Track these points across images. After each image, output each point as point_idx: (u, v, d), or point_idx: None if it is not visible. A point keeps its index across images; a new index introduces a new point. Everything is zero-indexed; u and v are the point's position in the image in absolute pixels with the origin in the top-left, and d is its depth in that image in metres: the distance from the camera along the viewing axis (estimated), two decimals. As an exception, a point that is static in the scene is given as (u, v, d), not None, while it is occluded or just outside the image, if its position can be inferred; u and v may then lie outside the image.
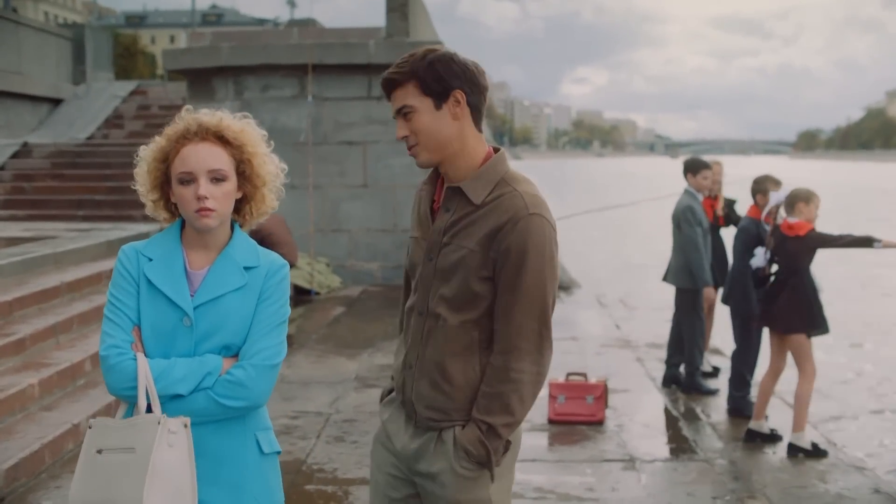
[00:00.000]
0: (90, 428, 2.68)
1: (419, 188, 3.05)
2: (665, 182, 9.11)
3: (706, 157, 9.15)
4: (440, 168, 2.90)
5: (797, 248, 6.70)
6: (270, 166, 2.89)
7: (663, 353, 9.37)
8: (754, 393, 7.50)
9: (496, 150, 2.94)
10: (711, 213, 8.76)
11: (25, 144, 16.93)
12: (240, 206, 2.90)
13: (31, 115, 19.70)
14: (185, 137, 2.78)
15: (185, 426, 2.66)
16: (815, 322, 6.68)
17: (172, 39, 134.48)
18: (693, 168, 8.39)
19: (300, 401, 7.65)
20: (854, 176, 71.50)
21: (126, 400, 2.73)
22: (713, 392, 8.24)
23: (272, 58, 13.66)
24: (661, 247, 10.23)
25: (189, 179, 2.73)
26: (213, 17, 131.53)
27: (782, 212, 6.86)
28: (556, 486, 5.87)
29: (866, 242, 6.64)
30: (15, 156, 16.56)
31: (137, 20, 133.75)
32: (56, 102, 20.62)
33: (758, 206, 7.57)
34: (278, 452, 2.91)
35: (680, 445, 6.85)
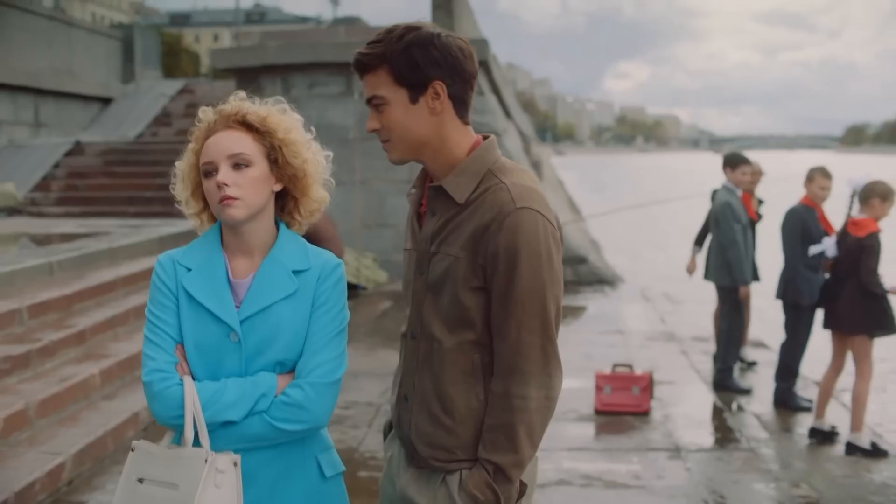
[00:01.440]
0: (132, 451, 2.50)
1: (408, 192, 2.67)
2: (708, 178, 9.16)
3: (762, 155, 9.14)
4: (424, 167, 2.55)
5: (857, 247, 6.59)
6: (308, 153, 2.61)
7: (708, 347, 9.46)
8: (799, 385, 7.56)
9: (485, 139, 2.54)
10: (750, 209, 8.66)
11: (78, 143, 17.31)
12: (284, 203, 2.64)
13: (82, 113, 20.14)
14: (209, 130, 2.56)
15: (235, 465, 2.43)
16: (879, 323, 6.57)
17: (216, 38, 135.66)
18: (732, 162, 8.30)
19: (351, 391, 7.81)
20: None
21: (174, 428, 2.48)
22: (746, 391, 8.20)
23: (319, 56, 13.86)
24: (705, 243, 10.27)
25: (211, 170, 2.50)
26: (257, 16, 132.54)
27: (855, 203, 6.73)
28: (602, 473, 5.98)
29: (875, 286, 6.49)
30: (68, 154, 16.95)
31: (182, 19, 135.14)
32: (106, 101, 21.04)
33: (808, 196, 7.48)
34: (342, 472, 2.65)
35: (725, 435, 6.94)
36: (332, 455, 2.64)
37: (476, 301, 2.40)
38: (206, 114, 2.62)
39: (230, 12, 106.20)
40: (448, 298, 2.42)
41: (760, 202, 9.18)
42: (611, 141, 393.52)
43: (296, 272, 2.53)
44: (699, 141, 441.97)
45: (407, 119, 2.42)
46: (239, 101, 2.60)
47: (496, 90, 15.56)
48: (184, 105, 20.55)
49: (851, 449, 6.55)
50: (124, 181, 15.92)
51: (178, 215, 11.15)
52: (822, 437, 6.84)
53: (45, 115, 19.04)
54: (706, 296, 10.83)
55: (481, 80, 14.00)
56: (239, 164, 2.49)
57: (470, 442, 2.43)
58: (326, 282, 2.55)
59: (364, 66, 2.44)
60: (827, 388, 6.90)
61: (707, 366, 8.82)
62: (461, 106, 2.45)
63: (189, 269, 2.54)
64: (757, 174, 9.01)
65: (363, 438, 6.48)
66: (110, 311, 8.08)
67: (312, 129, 2.66)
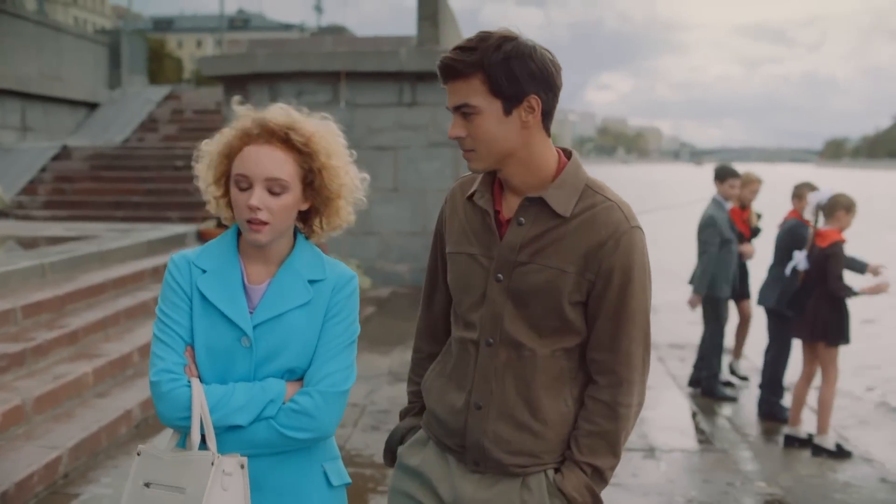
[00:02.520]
0: (139, 455, 2.48)
1: (452, 194, 2.67)
2: (689, 189, 9.33)
3: (742, 167, 9.31)
4: (499, 174, 2.50)
5: (821, 258, 6.85)
6: (346, 178, 2.58)
7: (683, 354, 9.74)
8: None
9: (565, 152, 2.55)
10: (739, 222, 8.87)
11: (65, 147, 17.45)
12: (308, 217, 2.62)
13: (69, 118, 20.28)
14: (249, 135, 2.48)
15: (242, 467, 2.42)
16: (835, 334, 6.83)
17: (199, 44, 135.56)
18: (721, 175, 8.52)
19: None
20: (882, 185, 71.46)
21: (179, 430, 2.48)
22: (732, 399, 8.46)
23: (306, 65, 14.05)
24: (686, 253, 10.53)
25: (245, 185, 2.44)
26: (240, 22, 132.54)
27: (821, 216, 6.98)
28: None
29: (842, 292, 6.74)
30: (55, 158, 17.09)
31: (165, 24, 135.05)
32: (92, 106, 21.17)
33: (796, 210, 7.77)
34: (348, 484, 2.65)
35: (698, 438, 7.19)
36: (339, 465, 2.62)
37: (576, 314, 2.44)
38: (252, 115, 2.53)
39: (213, 18, 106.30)
40: (542, 309, 2.43)
41: (759, 216, 9.31)
42: (592, 152, 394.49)
43: (311, 282, 2.53)
44: (680, 153, 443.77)
45: (498, 130, 2.38)
46: (285, 114, 2.52)
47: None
48: (170, 111, 20.71)
49: (817, 450, 6.85)
50: (111, 185, 16.08)
51: (165, 220, 11.33)
52: (800, 443, 7.08)
53: (33, 120, 19.17)
54: (683, 305, 11.08)
55: (465, 91, 14.23)
56: (275, 190, 2.45)
57: (557, 445, 2.48)
58: (341, 293, 2.55)
59: (455, 71, 2.37)
60: (799, 396, 7.16)
61: (683, 371, 9.07)
62: (548, 119, 2.44)
63: (204, 271, 2.52)
64: (755, 184, 9.08)
65: (349, 437, 6.71)
66: (101, 312, 8.25)
67: (353, 152, 2.64)
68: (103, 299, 8.70)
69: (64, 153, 17.30)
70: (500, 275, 2.46)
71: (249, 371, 2.48)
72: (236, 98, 2.62)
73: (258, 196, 2.42)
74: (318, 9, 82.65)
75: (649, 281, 2.47)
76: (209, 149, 2.58)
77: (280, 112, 2.52)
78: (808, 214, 7.21)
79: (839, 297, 6.82)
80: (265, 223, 2.44)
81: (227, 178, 2.54)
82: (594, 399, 2.47)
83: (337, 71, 13.96)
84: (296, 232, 2.61)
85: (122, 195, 15.61)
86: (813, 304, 6.90)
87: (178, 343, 2.48)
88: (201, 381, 2.47)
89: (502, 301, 2.46)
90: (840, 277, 6.80)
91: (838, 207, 6.90)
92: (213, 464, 2.37)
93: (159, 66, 55.15)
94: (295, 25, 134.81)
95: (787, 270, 7.28)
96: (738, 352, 9.36)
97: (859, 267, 7.26)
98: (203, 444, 2.42)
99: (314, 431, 2.47)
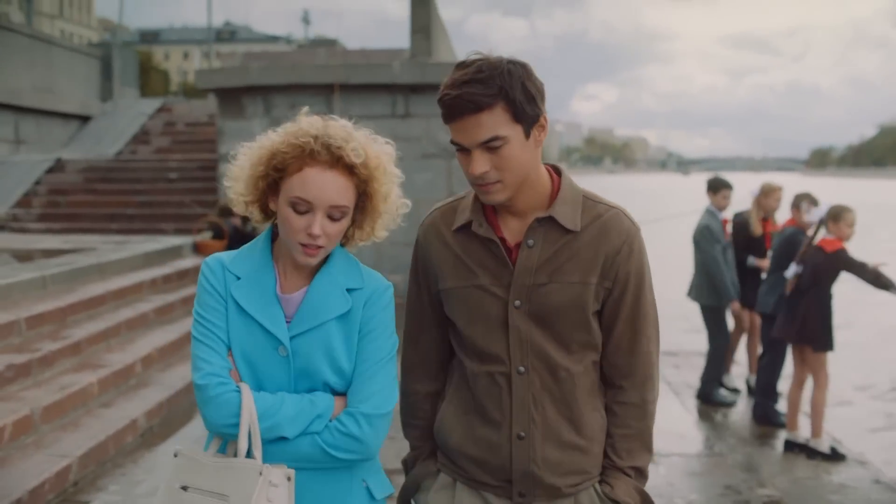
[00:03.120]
0: (176, 457, 2.41)
1: (434, 229, 2.58)
2: (677, 199, 9.38)
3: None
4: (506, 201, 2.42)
5: (822, 263, 6.96)
6: (391, 204, 2.51)
7: (677, 361, 9.86)
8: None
9: (553, 168, 2.55)
10: (763, 232, 8.88)
11: (59, 160, 17.51)
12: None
13: (61, 131, 20.35)
14: (311, 156, 2.36)
15: (289, 479, 2.34)
16: (821, 340, 6.98)
17: (186, 56, 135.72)
18: (715, 187, 8.71)
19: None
20: (867, 193, 71.92)
21: (225, 437, 2.39)
22: (730, 404, 8.55)
23: (300, 77, 14.17)
24: (680, 262, 10.68)
25: (305, 210, 2.35)
26: (227, 34, 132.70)
27: (823, 228, 7.08)
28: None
29: (885, 286, 6.85)
30: (50, 171, 17.15)
31: (152, 37, 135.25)
32: (85, 119, 21.24)
33: (794, 219, 7.88)
34: (391, 494, 2.56)
35: (695, 443, 7.31)
36: (382, 477, 2.55)
37: (596, 323, 2.46)
38: (313, 130, 2.38)
39: (200, 30, 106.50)
40: (570, 325, 2.43)
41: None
42: (579, 162, 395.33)
43: (349, 290, 2.44)
44: (667, 162, 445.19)
45: (522, 156, 2.34)
46: (348, 135, 2.40)
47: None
48: (162, 123, 20.78)
49: (812, 453, 6.97)
50: (105, 198, 16.14)
51: (160, 232, 11.47)
52: (799, 448, 7.15)
53: (25, 133, 19.24)
54: (677, 314, 11.23)
55: (458, 103, 14.37)
56: (335, 216, 2.37)
57: (600, 457, 2.51)
58: (376, 305, 2.46)
59: (479, 105, 2.27)
60: (794, 400, 7.28)
61: (677, 378, 9.21)
62: None
63: (238, 278, 2.44)
64: (777, 192, 8.96)
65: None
66: (103, 323, 8.34)
67: (402, 175, 2.54)
68: (103, 310, 8.79)
69: (58, 166, 17.36)
70: (518, 301, 2.42)
71: (288, 380, 2.41)
72: (305, 109, 2.47)
73: (320, 223, 2.34)
74: (306, 21, 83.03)
75: (651, 278, 2.52)
76: (253, 150, 2.45)
77: (343, 132, 2.39)
78: (810, 227, 7.33)
79: (828, 304, 6.97)
80: (321, 247, 2.37)
81: (266, 187, 2.44)
82: (623, 403, 2.50)
83: (331, 83, 14.07)
84: None
85: (117, 208, 15.68)
86: (802, 308, 7.02)
87: (221, 346, 2.40)
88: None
89: (527, 326, 2.43)
90: (865, 271, 6.90)
91: (840, 219, 7.00)
92: (261, 473, 2.29)
93: (146, 78, 55.30)
94: (282, 37, 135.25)
95: (788, 274, 7.36)
96: (753, 365, 9.21)
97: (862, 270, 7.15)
98: (250, 452, 2.33)
99: (360, 454, 2.40)
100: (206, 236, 12.78)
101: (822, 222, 7.11)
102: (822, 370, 7.04)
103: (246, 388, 2.36)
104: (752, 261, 8.78)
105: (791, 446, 7.23)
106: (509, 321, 2.43)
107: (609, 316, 2.47)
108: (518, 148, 2.32)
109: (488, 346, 2.47)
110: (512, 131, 2.30)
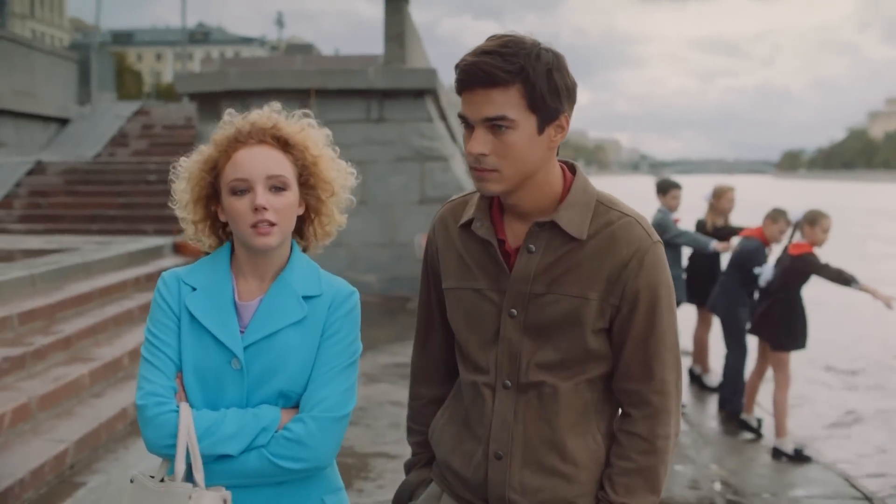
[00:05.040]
0: (132, 482, 2.36)
1: (442, 222, 2.43)
2: (650, 201, 9.64)
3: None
4: (507, 198, 2.25)
5: (791, 267, 7.25)
6: (336, 172, 2.45)
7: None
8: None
9: (569, 166, 2.33)
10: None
11: (39, 162, 17.80)
12: (301, 226, 2.47)
13: (41, 134, 20.63)
14: (237, 141, 2.35)
15: (225, 501, 2.25)
16: (782, 340, 7.30)
17: (159, 57, 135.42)
18: (664, 189, 9.07)
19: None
20: (837, 195, 72.95)
21: (167, 458, 2.31)
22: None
23: (278, 83, 14.54)
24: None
25: (244, 188, 2.30)
26: (200, 36, 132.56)
27: (798, 232, 7.34)
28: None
29: (847, 281, 7.07)
30: (30, 173, 17.42)
31: (125, 38, 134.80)
32: (63, 122, 21.53)
33: (762, 230, 7.96)
34: None
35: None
36: (341, 497, 2.48)
37: (599, 342, 2.24)
38: (236, 120, 2.42)
39: (173, 32, 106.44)
40: (567, 341, 2.23)
41: (739, 229, 9.22)
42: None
43: (306, 298, 2.37)
44: (640, 165, 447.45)
45: (528, 149, 2.14)
46: (268, 115, 2.43)
47: (444, 116, 16.41)
48: (139, 126, 21.11)
49: (777, 453, 7.26)
50: (86, 200, 16.44)
51: (141, 233, 11.91)
52: (749, 429, 7.75)
53: (5, 135, 19.50)
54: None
55: (431, 108, 14.82)
56: (277, 186, 2.32)
57: (592, 487, 2.28)
58: (339, 310, 2.39)
59: (494, 79, 2.08)
60: (753, 387, 7.84)
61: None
62: None
63: (194, 289, 2.38)
64: (729, 192, 9.31)
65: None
66: (91, 319, 8.71)
67: (336, 148, 2.50)
68: (91, 307, 9.16)
69: (38, 168, 17.64)
70: (513, 310, 2.25)
71: (242, 395, 2.33)
72: (229, 110, 2.48)
73: (263, 195, 2.29)
74: (280, 23, 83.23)
75: (674, 303, 2.29)
76: (188, 165, 2.44)
77: (262, 114, 2.43)
78: (783, 235, 7.61)
79: (796, 305, 7.23)
80: (273, 224, 2.30)
81: (209, 198, 2.42)
82: (628, 433, 2.26)
83: (307, 88, 14.46)
84: (290, 246, 2.46)
85: (98, 209, 15.98)
86: (776, 311, 7.29)
87: (167, 365, 2.33)
88: (191, 406, 2.33)
89: (518, 338, 2.25)
90: (829, 270, 7.14)
91: (815, 224, 7.19)
92: (189, 497, 2.23)
93: (119, 80, 55.28)
94: (255, 39, 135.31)
95: (762, 281, 7.60)
96: (702, 360, 9.65)
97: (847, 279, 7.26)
98: (190, 474, 2.27)
99: (308, 461, 2.31)
100: (186, 236, 13.13)
101: (797, 226, 7.35)
102: (784, 370, 7.30)
103: (185, 408, 2.28)
104: (713, 245, 8.75)
105: (743, 426, 7.75)
106: (500, 331, 2.27)
107: (619, 336, 2.25)
108: (525, 139, 2.12)
109: (478, 354, 2.32)
110: (523, 118, 2.11)
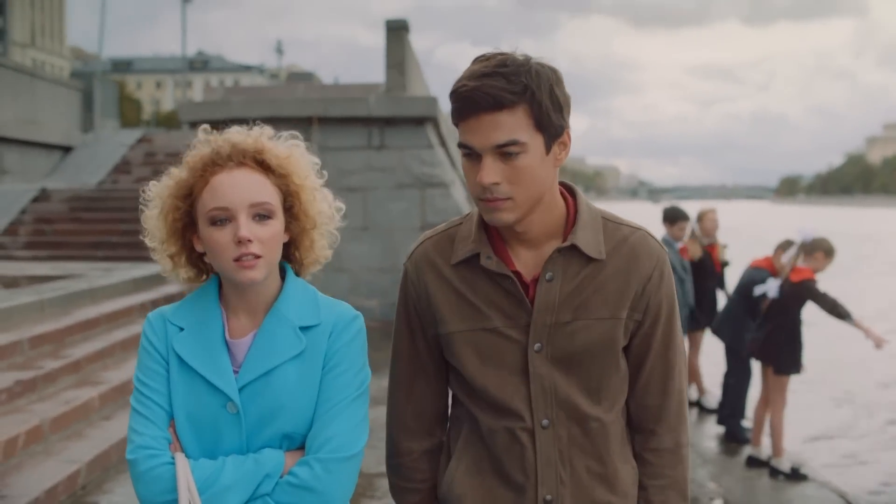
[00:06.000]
0: None
1: (428, 264, 2.26)
2: (649, 227, 9.64)
3: (700, 204, 9.75)
4: (517, 225, 2.12)
5: (790, 292, 7.33)
6: (322, 204, 2.24)
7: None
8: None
9: (564, 186, 2.24)
10: (714, 260, 9.35)
11: (44, 190, 17.97)
12: (287, 251, 2.27)
13: (45, 161, 20.82)
14: (214, 164, 2.13)
15: None
16: (783, 363, 7.41)
17: (159, 85, 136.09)
18: (672, 219, 8.84)
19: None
20: (835, 221, 73.08)
21: None
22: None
23: (280, 111, 14.72)
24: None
25: (224, 218, 2.10)
26: (200, 64, 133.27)
27: (801, 256, 7.37)
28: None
29: (841, 316, 7.11)
30: (35, 200, 17.59)
31: (124, 66, 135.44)
32: (66, 150, 21.73)
33: (771, 261, 7.86)
34: None
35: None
36: None
37: (624, 362, 2.20)
38: (213, 139, 2.20)
39: (173, 60, 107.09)
40: (599, 368, 2.16)
41: (724, 247, 9.59)
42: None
43: (303, 329, 2.18)
44: (638, 191, 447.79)
45: (539, 171, 2.04)
46: (247, 133, 2.22)
47: (444, 143, 16.61)
48: (142, 154, 21.26)
49: (774, 472, 7.38)
50: (90, 227, 16.58)
51: (145, 259, 12.06)
52: (761, 465, 7.61)
53: (10, 163, 19.70)
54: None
55: (431, 135, 15.02)
56: (262, 214, 2.12)
57: None
58: (340, 339, 2.19)
59: (501, 102, 1.97)
60: (760, 418, 7.73)
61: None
62: None
63: (181, 329, 2.20)
64: (710, 213, 9.51)
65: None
66: (99, 343, 8.85)
67: (324, 172, 2.31)
68: (98, 332, 9.30)
69: (43, 195, 17.79)
70: (538, 344, 2.14)
71: (241, 441, 2.15)
72: (204, 126, 2.27)
73: (246, 226, 2.09)
74: (280, 50, 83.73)
75: None
76: (158, 190, 2.22)
77: (241, 132, 2.22)
78: (785, 258, 7.53)
79: (794, 330, 7.34)
80: (258, 256, 2.10)
81: (183, 227, 2.20)
82: (656, 451, 2.23)
83: (309, 116, 14.66)
84: (284, 270, 2.27)
85: (101, 236, 16.12)
86: (775, 334, 7.37)
87: (159, 415, 2.16)
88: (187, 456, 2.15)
89: (549, 372, 2.14)
90: (826, 301, 7.18)
91: (819, 249, 7.28)
92: None
93: (121, 108, 55.56)
94: (254, 67, 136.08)
95: (757, 291, 7.61)
96: (696, 382, 9.75)
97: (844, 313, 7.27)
98: None
99: None
100: (163, 272, 13.24)
101: (800, 250, 7.38)
102: (781, 393, 7.41)
103: (181, 459, 2.11)
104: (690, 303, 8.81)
105: (754, 462, 7.66)
106: (530, 368, 2.15)
107: (638, 352, 2.21)
108: (537, 161, 2.03)
109: (505, 397, 2.18)
110: (532, 139, 2.01)
